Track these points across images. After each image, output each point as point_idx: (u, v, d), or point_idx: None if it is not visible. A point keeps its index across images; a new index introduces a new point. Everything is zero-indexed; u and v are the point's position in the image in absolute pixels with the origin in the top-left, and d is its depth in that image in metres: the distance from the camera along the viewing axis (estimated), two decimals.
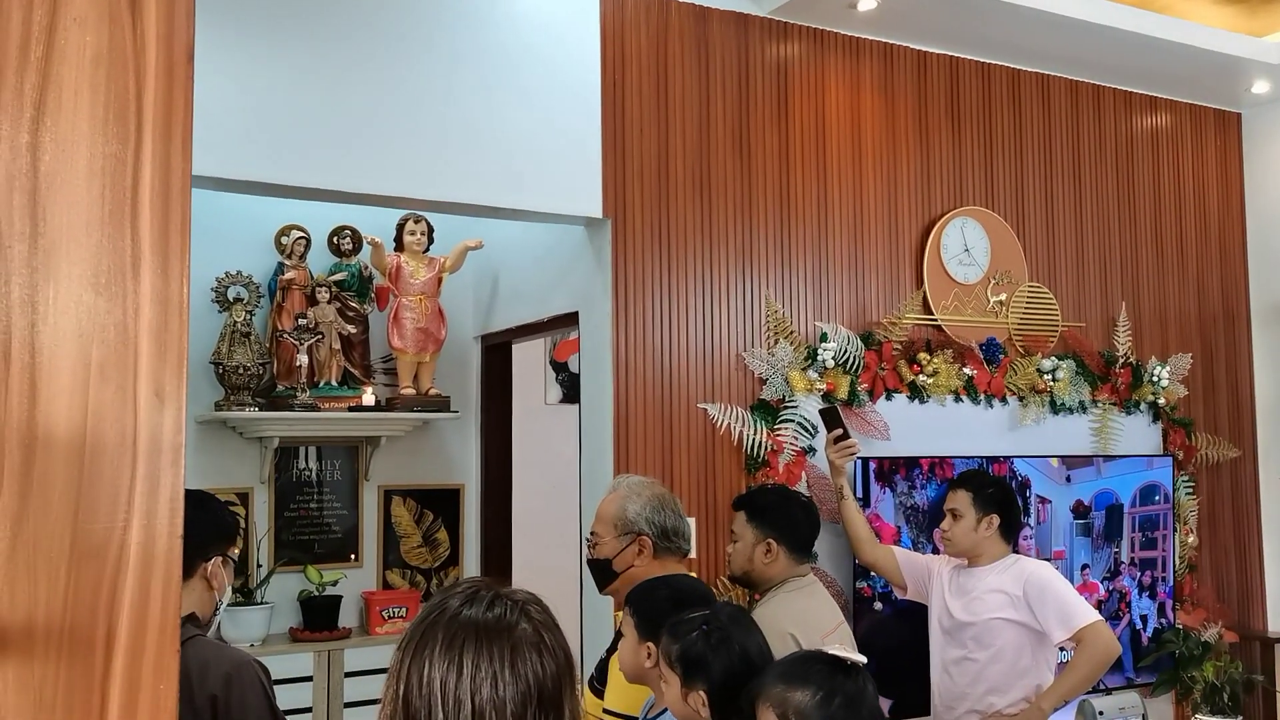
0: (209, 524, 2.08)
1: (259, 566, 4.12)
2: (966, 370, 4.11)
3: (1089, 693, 3.98)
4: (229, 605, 3.93)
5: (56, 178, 0.83)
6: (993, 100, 4.38)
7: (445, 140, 3.28)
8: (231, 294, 4.07)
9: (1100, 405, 4.44)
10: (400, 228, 4.23)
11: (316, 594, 4.10)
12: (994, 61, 4.38)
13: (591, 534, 2.50)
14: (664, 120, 3.65)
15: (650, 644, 2.07)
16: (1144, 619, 4.35)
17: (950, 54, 4.27)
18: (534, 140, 3.40)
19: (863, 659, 1.83)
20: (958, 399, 4.11)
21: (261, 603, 3.99)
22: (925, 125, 4.20)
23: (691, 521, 2.79)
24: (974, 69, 4.34)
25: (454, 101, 3.30)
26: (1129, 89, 4.72)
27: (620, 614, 2.43)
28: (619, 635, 2.35)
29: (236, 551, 2.22)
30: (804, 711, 1.73)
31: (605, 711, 2.22)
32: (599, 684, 2.32)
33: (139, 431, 0.85)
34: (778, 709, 1.74)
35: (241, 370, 3.97)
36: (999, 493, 3.23)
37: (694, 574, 2.46)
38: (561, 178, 3.44)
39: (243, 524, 4.13)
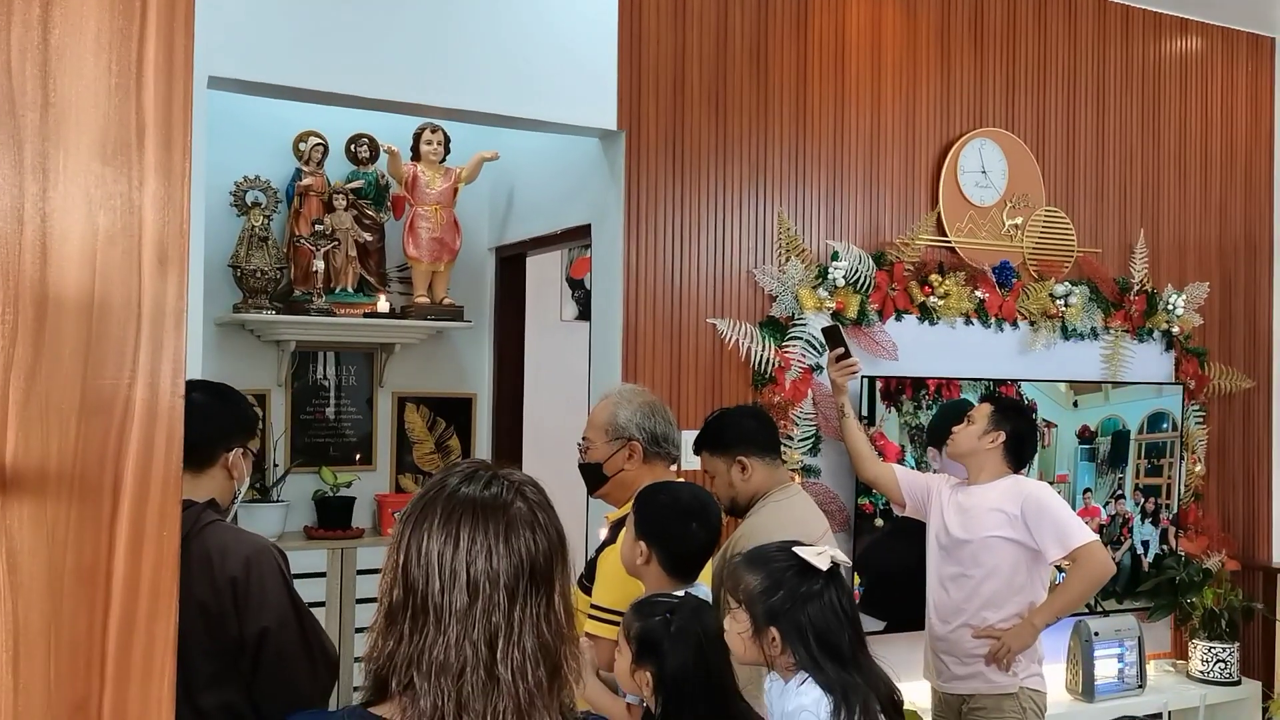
0: (231, 416, 2.15)
1: (275, 466, 4.22)
2: (978, 293, 4.12)
3: (1085, 614, 4.06)
4: (247, 501, 4.04)
5: (65, 50, 0.87)
6: (1018, 19, 4.32)
7: (463, 49, 3.28)
8: (249, 198, 4.11)
9: (1113, 332, 4.45)
10: (417, 137, 4.24)
11: (331, 494, 4.21)
12: None
13: (583, 439, 2.55)
14: (681, 32, 3.63)
15: (643, 543, 2.15)
16: (1145, 545, 4.41)
17: None
18: (550, 51, 3.40)
19: (834, 562, 1.90)
20: (968, 322, 4.14)
21: (278, 501, 4.10)
22: (947, 43, 4.16)
23: (691, 434, 2.85)
24: None
25: (473, 10, 3.30)
26: (1159, 10, 4.64)
27: (610, 515, 2.50)
28: (609, 535, 2.43)
29: (256, 444, 2.29)
30: (751, 595, 1.90)
31: (593, 606, 2.30)
32: (587, 581, 2.40)
33: (143, 295, 0.89)
34: (733, 587, 1.93)
35: (259, 274, 4.03)
36: (1017, 417, 3.27)
37: (682, 479, 2.52)
38: (577, 89, 3.44)
39: (260, 424, 4.22)
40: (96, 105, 0.88)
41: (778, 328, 3.75)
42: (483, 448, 4.69)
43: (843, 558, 1.93)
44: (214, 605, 1.90)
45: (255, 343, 4.23)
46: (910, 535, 3.52)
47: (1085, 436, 4.24)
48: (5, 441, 0.84)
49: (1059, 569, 3.42)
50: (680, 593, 2.05)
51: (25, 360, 0.85)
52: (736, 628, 1.91)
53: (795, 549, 1.93)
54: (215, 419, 2.08)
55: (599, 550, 2.44)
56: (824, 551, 1.91)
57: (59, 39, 0.86)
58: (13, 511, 0.84)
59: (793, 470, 3.66)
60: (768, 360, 3.71)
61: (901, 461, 3.78)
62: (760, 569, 1.92)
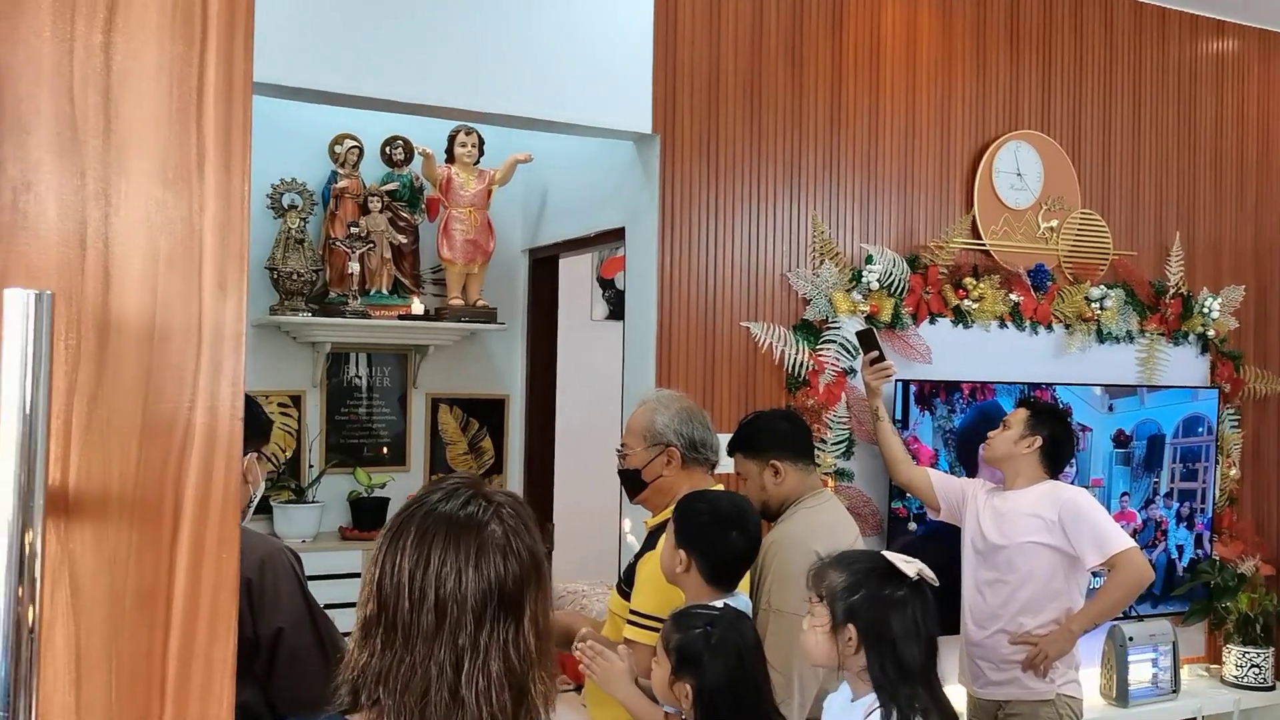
0: (245, 421, 2.16)
1: (310, 467, 4.25)
2: (1013, 296, 4.09)
3: (1120, 619, 4.02)
4: (282, 503, 4.08)
5: (127, 76, 0.87)
6: (1053, 21, 4.29)
7: (497, 53, 3.29)
8: (286, 200, 4.14)
9: (1148, 335, 4.41)
10: (451, 140, 4.26)
11: (365, 495, 4.23)
12: None
13: (621, 445, 2.55)
14: (716, 35, 3.62)
15: (682, 551, 2.15)
16: (1180, 549, 4.37)
17: None
18: (585, 55, 3.40)
19: (920, 576, 1.89)
20: (1002, 325, 4.11)
21: (313, 501, 4.13)
22: (983, 45, 4.13)
23: (726, 438, 2.84)
24: None
25: (507, 14, 3.30)
26: (1196, 12, 4.59)
27: (649, 521, 2.50)
28: (646, 541, 2.43)
29: (269, 449, 2.31)
30: (834, 591, 1.90)
31: (632, 612, 2.30)
32: (626, 586, 2.40)
33: (203, 319, 0.90)
34: (816, 582, 1.94)
35: (295, 276, 4.06)
36: (1054, 422, 3.25)
37: (721, 486, 2.51)
38: (611, 92, 3.44)
39: (295, 426, 4.25)
40: (157, 130, 0.88)
41: (811, 331, 3.73)
42: (515, 448, 4.70)
43: (930, 574, 1.92)
44: None
45: (291, 344, 4.26)
46: (944, 540, 3.51)
47: (1120, 440, 4.20)
48: (68, 466, 0.85)
49: (1095, 574, 3.40)
50: (719, 603, 2.05)
51: (88, 384, 0.86)
52: (815, 622, 1.91)
53: (885, 553, 1.93)
54: None
55: (638, 556, 2.44)
56: (913, 561, 1.90)
57: (121, 64, 0.87)
58: (75, 535, 0.85)
59: (826, 474, 3.65)
60: (801, 363, 3.70)
61: (935, 465, 3.76)
62: (847, 567, 1.92)
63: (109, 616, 0.86)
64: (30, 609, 0.78)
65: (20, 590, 0.77)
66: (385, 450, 4.45)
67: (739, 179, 3.65)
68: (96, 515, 0.86)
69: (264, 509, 4.12)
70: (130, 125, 0.87)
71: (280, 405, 4.23)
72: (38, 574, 0.78)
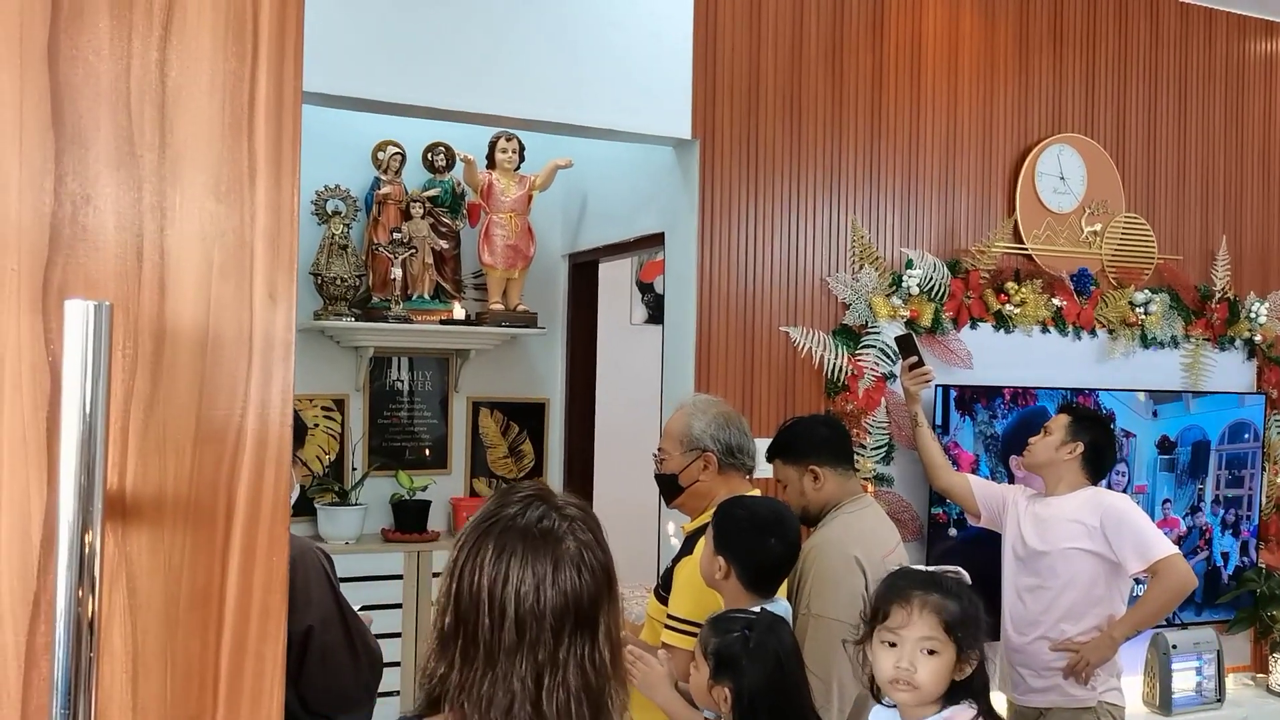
0: None
1: (353, 470, 4.30)
2: (1055, 301, 4.06)
3: (1163, 626, 3.98)
4: (326, 505, 4.13)
5: (182, 92, 0.90)
6: (1098, 23, 4.25)
7: (538, 59, 3.32)
8: (330, 207, 4.19)
9: (1193, 340, 4.35)
10: (492, 145, 4.29)
11: (407, 498, 4.27)
12: None
13: (659, 450, 2.56)
14: (755, 40, 3.63)
15: (721, 558, 2.16)
16: (1225, 557, 4.31)
17: None
18: (625, 61, 3.42)
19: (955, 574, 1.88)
20: (1045, 330, 4.07)
21: (356, 504, 4.17)
22: (1026, 48, 4.10)
23: (765, 443, 2.84)
24: None
25: (547, 21, 3.33)
26: (1244, 13, 4.53)
27: (686, 526, 2.51)
28: (683, 546, 2.44)
29: (303, 453, 2.34)
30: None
31: (670, 617, 2.31)
32: (664, 591, 2.41)
33: (254, 328, 0.93)
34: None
35: (339, 281, 4.11)
36: (1096, 428, 3.23)
37: (758, 491, 2.51)
38: (651, 98, 3.46)
39: (338, 429, 4.31)
40: (211, 145, 0.91)
41: (851, 336, 3.73)
42: (555, 452, 4.73)
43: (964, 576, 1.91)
44: None
45: (335, 349, 4.31)
46: (984, 545, 3.48)
47: (1165, 447, 4.15)
48: (125, 471, 0.88)
49: (1138, 581, 3.36)
50: (757, 608, 2.05)
51: (144, 392, 0.88)
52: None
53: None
54: None
55: (675, 560, 2.45)
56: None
57: (175, 81, 0.90)
58: (132, 538, 0.88)
59: (865, 479, 3.64)
60: (841, 368, 3.69)
61: (975, 471, 3.74)
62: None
63: (164, 617, 0.89)
64: (90, 608, 0.80)
65: (80, 590, 0.80)
66: (427, 453, 4.50)
67: (778, 183, 3.65)
68: (153, 519, 0.89)
69: (308, 511, 4.17)
70: (185, 140, 0.90)
71: (324, 409, 4.28)
72: (97, 574, 0.80)
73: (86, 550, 0.80)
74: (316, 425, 4.26)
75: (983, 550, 3.51)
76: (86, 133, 0.87)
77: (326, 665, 1.99)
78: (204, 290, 0.91)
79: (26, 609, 0.85)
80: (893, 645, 1.79)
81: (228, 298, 0.91)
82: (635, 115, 3.45)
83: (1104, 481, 3.34)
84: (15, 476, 0.85)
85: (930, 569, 1.90)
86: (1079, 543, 3.14)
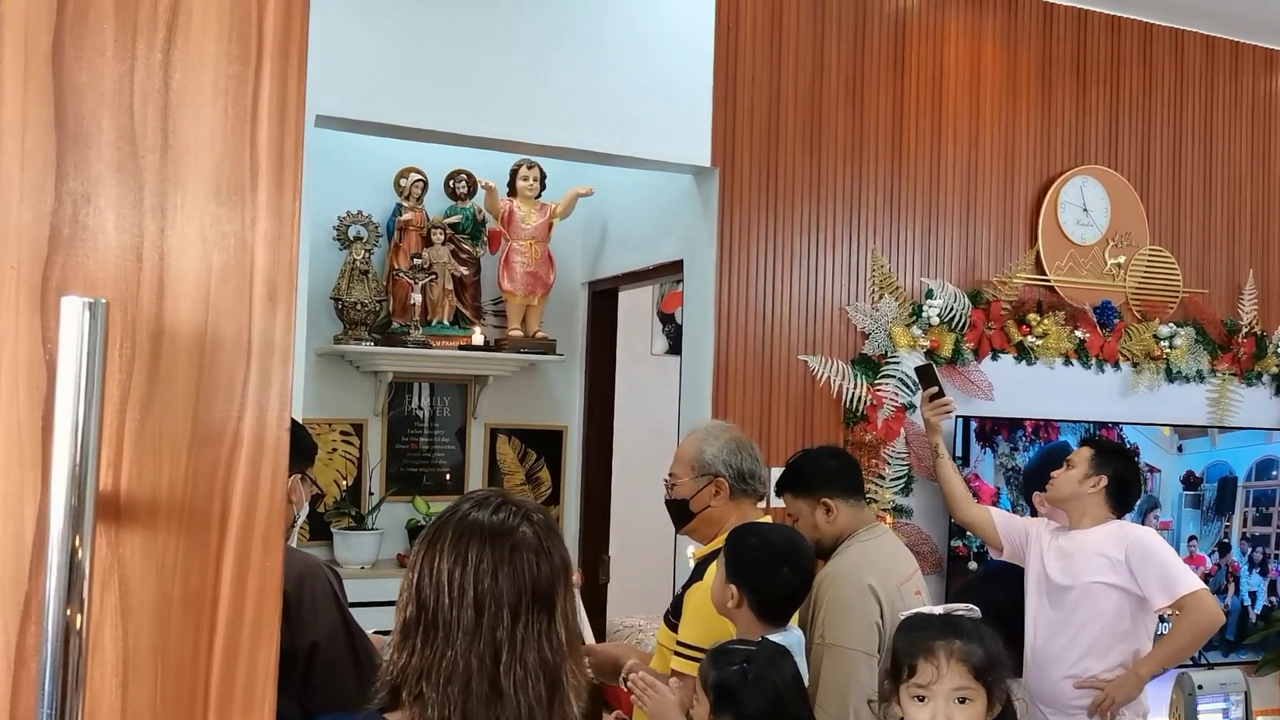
0: (290, 443, 2.19)
1: (371, 494, 4.30)
2: (1078, 333, 4.02)
3: (1189, 666, 3.90)
4: (342, 529, 4.12)
5: (185, 95, 0.90)
6: (1121, 55, 4.24)
7: (559, 87, 3.34)
8: (352, 233, 4.22)
9: (1219, 375, 4.30)
10: (514, 173, 4.31)
11: (424, 523, 4.26)
12: (1125, 15, 4.23)
13: (670, 475, 2.54)
14: (776, 70, 3.63)
15: (733, 586, 2.13)
16: (1253, 596, 4.23)
17: (1078, 6, 4.14)
18: (645, 88, 3.43)
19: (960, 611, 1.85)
20: (1067, 362, 4.04)
21: (372, 528, 4.17)
22: (1048, 80, 4.10)
23: (778, 471, 2.82)
24: (1103, 22, 4.20)
25: (569, 48, 3.35)
26: (1271, 46, 4.50)
27: (695, 553, 2.48)
28: (694, 572, 2.41)
29: (313, 471, 2.35)
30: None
31: (679, 644, 2.28)
32: (674, 618, 2.38)
33: (253, 331, 0.92)
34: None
35: (359, 306, 4.12)
36: (1119, 461, 3.18)
37: (770, 519, 2.49)
38: (671, 126, 3.47)
39: (356, 454, 4.31)
40: (213, 147, 0.91)
41: (870, 365, 3.70)
42: (572, 480, 4.71)
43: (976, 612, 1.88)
44: None
45: (354, 373, 4.32)
46: (1005, 579, 3.43)
47: (1190, 482, 4.09)
48: (120, 472, 0.87)
49: (1164, 618, 3.30)
50: (775, 637, 2.02)
51: (140, 393, 0.88)
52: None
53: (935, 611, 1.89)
54: None
55: (685, 587, 2.42)
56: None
57: (179, 83, 0.90)
58: (125, 540, 0.87)
59: (884, 510, 3.60)
60: (860, 398, 3.66)
61: (996, 504, 3.70)
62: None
63: (156, 620, 0.88)
64: (78, 610, 0.79)
65: (69, 592, 0.79)
66: (447, 478, 4.49)
67: (798, 212, 3.65)
68: (146, 521, 0.88)
69: (324, 535, 4.17)
70: (187, 142, 0.90)
71: (342, 433, 4.29)
72: (86, 576, 0.79)
73: (76, 551, 0.80)
74: (335, 450, 4.26)
75: (1004, 584, 3.46)
76: (89, 133, 0.87)
77: (332, 682, 1.99)
78: (203, 292, 0.90)
79: (17, 610, 0.85)
80: (923, 700, 1.77)
81: (227, 300, 0.91)
82: (655, 143, 3.46)
83: (1132, 517, 3.29)
84: (9, 476, 0.85)
85: (941, 610, 1.87)
86: (1104, 577, 3.09)
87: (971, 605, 1.88)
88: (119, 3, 0.88)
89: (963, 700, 1.75)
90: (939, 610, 1.87)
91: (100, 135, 0.87)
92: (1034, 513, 3.70)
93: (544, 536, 1.35)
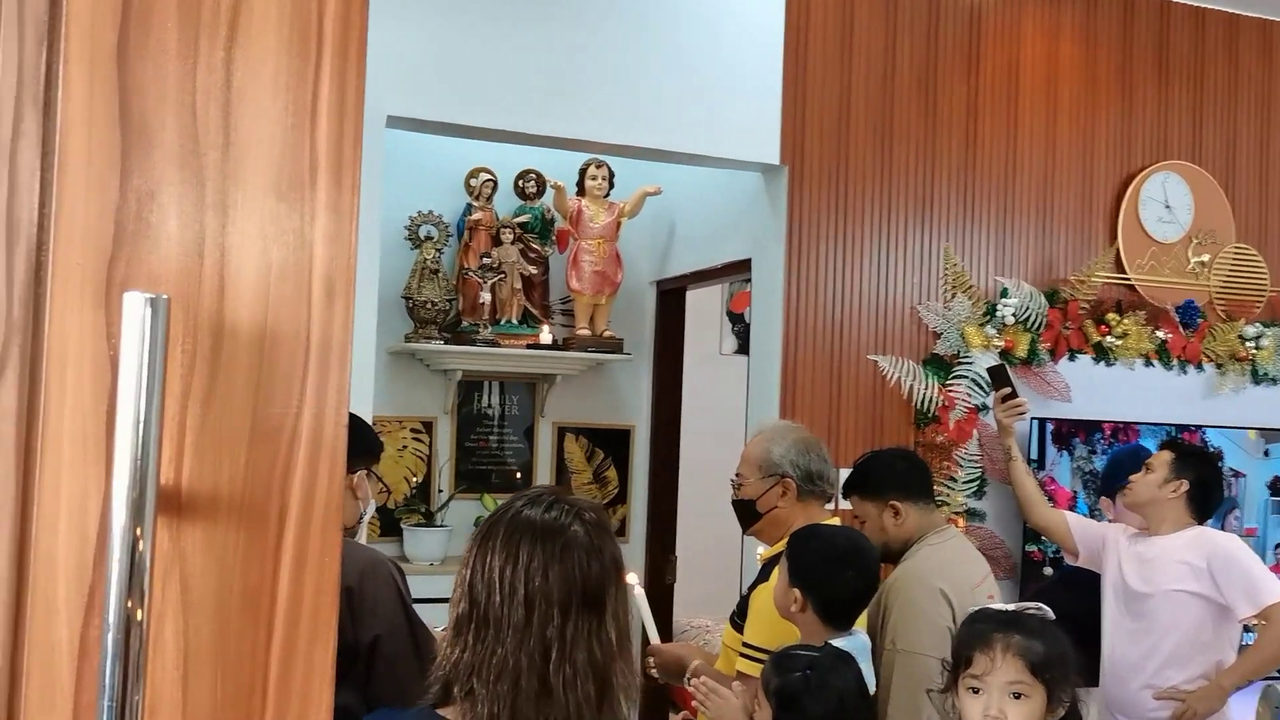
0: (355, 440, 2.22)
1: (440, 492, 4.34)
2: (1160, 333, 3.91)
3: (1275, 678, 3.76)
4: (412, 526, 4.17)
5: (246, 92, 0.91)
6: (1206, 48, 4.11)
7: (628, 86, 3.33)
8: (423, 232, 4.26)
9: None
10: (582, 173, 4.32)
11: None
12: (1210, 6, 4.10)
13: (736, 475, 2.51)
14: (846, 66, 3.59)
15: (797, 590, 2.10)
16: None
17: None
18: (714, 86, 3.42)
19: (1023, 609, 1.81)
20: (1148, 363, 3.93)
21: (441, 525, 4.21)
22: (1129, 74, 3.99)
23: (846, 472, 2.78)
24: (1186, 14, 4.08)
25: (637, 47, 3.35)
26: None
27: (762, 554, 2.46)
28: (760, 573, 2.38)
29: (379, 468, 2.37)
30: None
31: (745, 645, 2.26)
32: (739, 619, 2.36)
33: (312, 327, 0.92)
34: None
35: (429, 305, 4.17)
36: (1201, 464, 3.09)
37: (838, 520, 2.45)
38: (740, 124, 3.45)
39: (426, 451, 4.35)
40: (273, 144, 0.91)
41: (942, 366, 3.64)
42: (639, 479, 4.70)
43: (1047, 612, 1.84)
44: None
45: (424, 371, 4.37)
46: (1083, 586, 3.34)
47: (1277, 488, 3.95)
48: (181, 467, 0.88)
49: (1248, 628, 3.19)
50: (838, 642, 1.99)
51: (201, 389, 0.88)
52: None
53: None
54: None
55: (751, 588, 2.40)
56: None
57: (240, 81, 0.90)
58: (186, 534, 0.87)
59: (956, 514, 3.54)
60: (931, 399, 3.60)
61: (1073, 508, 3.61)
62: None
63: (216, 615, 0.88)
64: (138, 604, 0.80)
65: (130, 584, 0.79)
66: (517, 476, 4.52)
67: (868, 210, 3.60)
68: (207, 515, 0.89)
69: (394, 531, 4.22)
70: (247, 139, 0.90)
71: (413, 431, 4.33)
72: (146, 569, 0.80)
73: (138, 544, 0.80)
74: (405, 447, 4.31)
75: (1081, 591, 3.37)
76: (152, 131, 0.88)
77: (393, 675, 2.01)
78: (263, 288, 0.90)
79: (81, 602, 0.86)
80: (978, 692, 1.73)
81: (286, 296, 0.91)
82: (724, 141, 3.44)
83: (1212, 521, 3.19)
84: (74, 470, 0.86)
85: (1011, 607, 1.82)
86: (1185, 585, 3.00)
87: (1042, 605, 1.84)
88: (182, 1, 0.89)
89: (1018, 695, 1.71)
90: (1010, 608, 1.83)
91: (164, 133, 0.88)
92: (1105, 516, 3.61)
93: (595, 535, 1.35)
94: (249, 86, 0.90)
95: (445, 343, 4.17)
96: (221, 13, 0.89)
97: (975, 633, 1.77)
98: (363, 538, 2.49)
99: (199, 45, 0.89)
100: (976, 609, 1.87)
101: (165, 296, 0.81)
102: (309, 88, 0.92)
